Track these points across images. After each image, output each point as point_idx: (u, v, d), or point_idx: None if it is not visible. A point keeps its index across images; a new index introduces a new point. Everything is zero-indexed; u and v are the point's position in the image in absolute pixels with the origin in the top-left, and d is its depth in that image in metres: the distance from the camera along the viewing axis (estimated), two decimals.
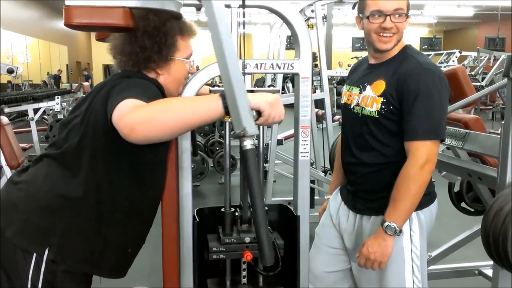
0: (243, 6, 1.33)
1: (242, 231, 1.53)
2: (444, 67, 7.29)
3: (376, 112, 1.61)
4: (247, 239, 1.51)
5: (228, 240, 1.49)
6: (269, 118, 1.16)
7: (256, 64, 1.44)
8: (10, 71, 3.73)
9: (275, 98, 1.17)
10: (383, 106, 1.59)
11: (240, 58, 1.43)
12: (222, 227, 1.54)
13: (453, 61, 11.04)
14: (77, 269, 1.34)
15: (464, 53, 11.96)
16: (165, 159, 1.45)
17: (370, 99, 1.63)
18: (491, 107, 10.07)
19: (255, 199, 1.06)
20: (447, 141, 2.00)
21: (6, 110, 6.50)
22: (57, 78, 16.27)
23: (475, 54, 11.82)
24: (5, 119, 3.20)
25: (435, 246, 2.64)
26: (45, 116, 7.32)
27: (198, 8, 1.64)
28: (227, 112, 1.09)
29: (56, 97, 6.65)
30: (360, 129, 1.67)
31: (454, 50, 11.69)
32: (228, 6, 1.46)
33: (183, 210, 1.47)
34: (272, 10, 1.42)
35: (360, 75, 1.76)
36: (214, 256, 1.47)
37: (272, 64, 1.45)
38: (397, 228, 1.54)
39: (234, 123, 1.05)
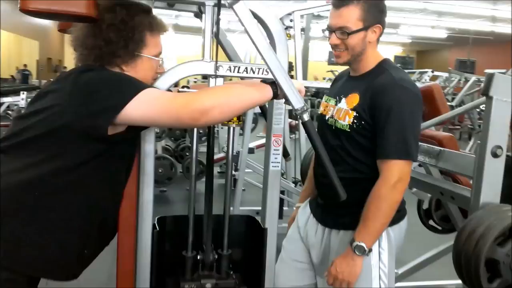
0: (218, 5, 1.27)
1: (203, 277, 1.45)
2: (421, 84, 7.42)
3: (348, 126, 1.56)
4: (209, 285, 1.42)
5: (187, 286, 1.41)
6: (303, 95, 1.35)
7: (230, 67, 1.37)
8: None
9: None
10: (355, 121, 1.54)
11: (212, 59, 1.36)
12: (182, 272, 1.46)
13: (425, 80, 11.24)
14: (27, 273, 1.23)
15: (436, 73, 12.21)
16: (133, 157, 1.36)
17: (343, 112, 1.59)
18: (459, 127, 10.25)
19: (322, 157, 1.31)
20: (420, 158, 1.97)
21: None
22: (25, 74, 15.78)
23: (446, 74, 12.08)
24: None
25: (402, 262, 2.60)
26: (9, 112, 7.06)
27: (171, 4, 1.56)
28: (273, 97, 1.30)
29: (21, 92, 6.38)
30: (332, 142, 1.62)
31: (427, 70, 11.91)
32: (202, 5, 1.38)
33: (142, 218, 1.37)
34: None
35: (339, 87, 1.71)
36: None
37: (246, 68, 1.38)
38: (366, 248, 1.50)
39: (293, 103, 1.26)
